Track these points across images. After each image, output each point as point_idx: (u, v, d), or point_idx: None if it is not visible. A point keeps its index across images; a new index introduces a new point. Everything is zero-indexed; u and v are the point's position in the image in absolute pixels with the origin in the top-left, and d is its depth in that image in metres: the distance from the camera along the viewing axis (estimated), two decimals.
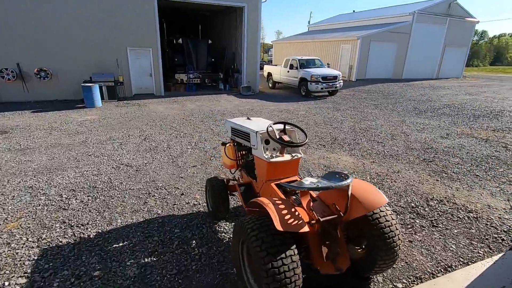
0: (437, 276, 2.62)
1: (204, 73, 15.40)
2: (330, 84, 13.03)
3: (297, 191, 2.72)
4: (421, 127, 8.19)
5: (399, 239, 2.35)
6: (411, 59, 21.28)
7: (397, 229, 2.35)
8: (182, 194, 4.24)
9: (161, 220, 3.55)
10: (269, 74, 16.85)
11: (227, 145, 3.69)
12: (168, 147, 6.70)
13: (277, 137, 2.79)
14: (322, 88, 12.95)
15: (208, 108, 11.40)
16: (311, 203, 2.49)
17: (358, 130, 7.92)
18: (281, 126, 3.01)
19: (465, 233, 3.26)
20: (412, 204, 3.91)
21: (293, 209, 2.16)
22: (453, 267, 2.73)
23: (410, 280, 2.59)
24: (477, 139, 6.99)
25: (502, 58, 60.92)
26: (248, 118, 3.60)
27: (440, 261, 2.81)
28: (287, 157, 2.87)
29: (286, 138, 2.79)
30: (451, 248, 2.99)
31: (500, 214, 3.64)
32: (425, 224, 3.43)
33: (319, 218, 2.22)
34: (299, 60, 14.16)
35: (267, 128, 2.81)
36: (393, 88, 16.29)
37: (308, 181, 2.46)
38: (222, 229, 3.36)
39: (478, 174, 4.92)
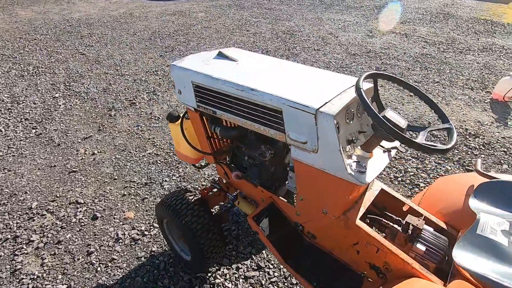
0: None
1: None
2: None
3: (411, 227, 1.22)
4: (341, 24, 7.14)
5: None
6: None
7: None
8: (96, 217, 2.09)
9: None
10: None
11: (185, 119, 1.63)
12: (13, 100, 3.63)
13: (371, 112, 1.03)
14: None
15: (59, 16, 7.17)
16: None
17: (283, 36, 6.27)
18: (366, 84, 1.20)
19: (506, 172, 2.64)
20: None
21: None
22: None
23: None
24: (398, 35, 6.48)
25: None
26: (222, 54, 1.53)
27: None
28: (381, 158, 1.20)
29: (399, 120, 1.06)
30: None
31: (498, 132, 3.17)
32: (455, 167, 2.64)
33: None
34: None
35: (358, 93, 0.99)
36: None
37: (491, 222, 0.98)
38: None
39: (436, 80, 4.38)
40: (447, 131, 1.11)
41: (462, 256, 0.91)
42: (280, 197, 1.48)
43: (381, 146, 1.24)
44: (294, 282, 1.69)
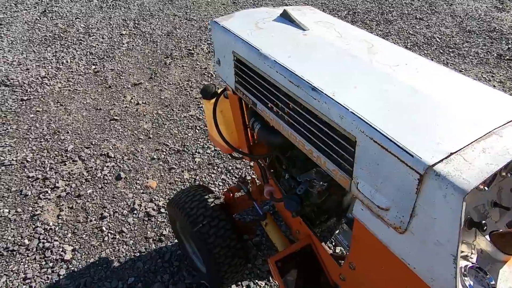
0: None
1: None
2: None
3: None
4: None
5: None
6: None
7: None
8: (120, 177, 1.91)
9: None
10: None
11: (224, 97, 1.21)
12: (86, 31, 3.60)
13: None
14: None
15: None
16: None
17: None
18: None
19: None
20: None
21: None
22: None
23: None
24: None
25: None
26: (287, 16, 1.00)
27: None
28: None
29: None
30: None
31: None
32: None
33: None
34: None
35: None
36: None
37: None
38: None
39: None
40: None
41: None
42: (323, 244, 1.01)
43: None
44: None
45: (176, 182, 1.90)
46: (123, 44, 3.44)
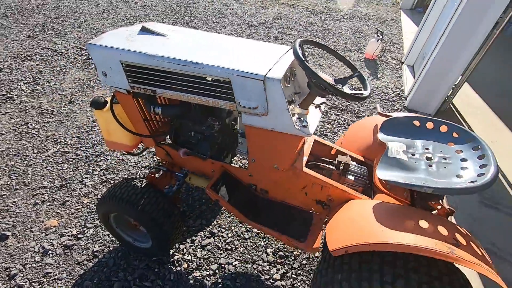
0: None
1: None
2: None
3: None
4: None
5: None
6: None
7: None
8: (5, 236, 1.70)
9: None
10: None
11: (113, 103, 1.48)
12: None
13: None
14: None
15: None
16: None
17: (177, 8, 5.94)
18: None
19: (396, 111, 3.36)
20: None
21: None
22: None
23: None
24: (286, 5, 7.00)
25: None
26: (147, 30, 1.44)
27: None
28: (315, 113, 1.41)
29: (330, 78, 1.27)
30: None
31: (373, 84, 3.96)
32: (350, 116, 3.20)
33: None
34: None
35: (296, 56, 1.14)
36: None
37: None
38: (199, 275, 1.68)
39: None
40: (360, 80, 1.35)
41: (382, 173, 1.22)
42: (232, 164, 1.57)
43: (313, 103, 1.45)
44: (247, 237, 1.87)
45: (79, 210, 1.93)
46: None
